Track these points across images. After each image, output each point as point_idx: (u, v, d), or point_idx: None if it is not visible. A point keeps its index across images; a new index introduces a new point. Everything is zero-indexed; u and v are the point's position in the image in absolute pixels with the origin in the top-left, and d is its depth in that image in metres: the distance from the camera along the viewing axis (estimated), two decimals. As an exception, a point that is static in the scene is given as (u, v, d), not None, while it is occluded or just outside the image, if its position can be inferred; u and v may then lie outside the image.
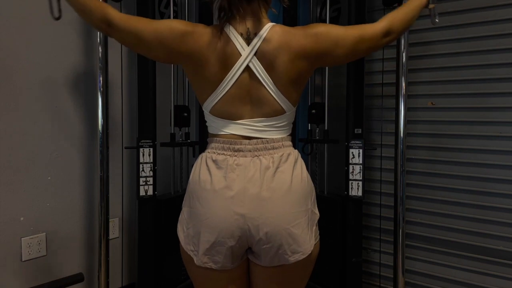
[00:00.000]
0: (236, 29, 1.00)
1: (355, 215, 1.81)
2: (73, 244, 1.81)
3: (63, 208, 1.76)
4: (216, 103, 1.02)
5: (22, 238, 1.62)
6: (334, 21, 2.08)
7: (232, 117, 1.03)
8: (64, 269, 1.77)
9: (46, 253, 1.70)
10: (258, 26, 1.01)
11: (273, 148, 1.02)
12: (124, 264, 2.01)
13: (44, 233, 1.69)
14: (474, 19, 1.81)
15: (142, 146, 1.75)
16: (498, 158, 1.78)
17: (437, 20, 1.26)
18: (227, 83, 1.00)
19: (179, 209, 1.09)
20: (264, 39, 0.99)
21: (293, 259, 1.00)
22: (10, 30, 1.56)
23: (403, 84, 1.60)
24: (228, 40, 1.00)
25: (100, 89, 1.64)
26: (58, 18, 1.13)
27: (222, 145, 1.03)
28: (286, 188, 0.99)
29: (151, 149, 1.76)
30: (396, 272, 1.64)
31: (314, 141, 2.00)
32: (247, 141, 1.02)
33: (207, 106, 1.05)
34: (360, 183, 1.75)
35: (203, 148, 1.09)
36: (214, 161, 1.02)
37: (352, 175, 1.76)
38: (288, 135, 1.08)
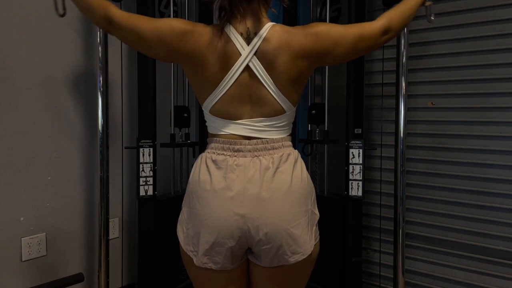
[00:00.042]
0: (236, 29, 1.00)
1: (355, 215, 1.81)
2: (73, 244, 1.81)
3: (63, 208, 1.76)
4: (216, 102, 1.02)
5: (22, 238, 1.62)
6: (334, 21, 2.08)
7: (232, 117, 1.03)
8: (64, 269, 1.77)
9: (46, 253, 1.70)
10: (258, 26, 1.01)
11: (273, 149, 1.02)
12: (124, 264, 2.01)
13: (44, 233, 1.69)
14: (474, 19, 1.81)
15: (142, 146, 1.75)
16: (498, 158, 1.78)
17: (432, 18, 1.27)
18: (227, 82, 1.00)
19: (179, 209, 1.09)
20: (264, 39, 0.99)
21: (293, 260, 1.00)
22: (10, 30, 1.56)
23: (403, 84, 1.60)
24: (228, 40, 0.99)
25: (100, 89, 1.63)
26: (63, 15, 1.15)
27: (222, 145, 1.03)
28: (286, 189, 0.99)
29: (151, 149, 1.76)
30: (396, 272, 1.64)
31: (314, 141, 2.00)
32: (247, 141, 1.02)
33: (206, 106, 1.05)
34: (360, 183, 1.75)
35: (203, 149, 1.09)
36: (214, 162, 1.02)
37: (352, 175, 1.76)
38: (288, 135, 1.08)
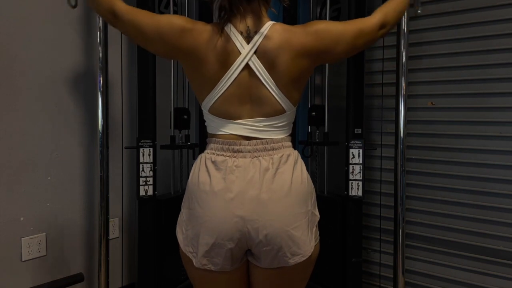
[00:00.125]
0: (236, 28, 1.00)
1: (355, 215, 1.81)
2: (73, 244, 1.81)
3: (63, 208, 1.76)
4: (215, 102, 1.02)
5: (22, 238, 1.62)
6: (334, 20, 2.07)
7: (231, 116, 1.02)
8: (64, 269, 1.77)
9: (46, 253, 1.70)
10: (259, 25, 1.00)
11: (273, 149, 1.02)
12: (124, 264, 2.01)
13: (44, 233, 1.69)
14: (474, 19, 1.81)
15: (142, 146, 1.75)
16: (498, 158, 1.78)
17: (419, 12, 1.29)
18: (226, 81, 1.00)
19: (179, 209, 1.09)
20: (265, 38, 0.99)
21: (293, 262, 0.99)
22: (10, 30, 1.56)
23: (403, 84, 1.60)
24: (228, 38, 0.99)
25: (100, 89, 1.63)
26: (74, 6, 1.19)
27: (221, 145, 1.02)
28: (286, 190, 0.99)
29: (151, 149, 1.76)
30: (396, 272, 1.64)
31: (314, 143, 2.00)
32: (247, 141, 1.01)
33: (205, 105, 1.05)
34: (360, 183, 1.75)
35: (203, 150, 1.08)
36: (214, 162, 1.01)
37: (352, 175, 1.76)
38: (288, 135, 1.08)
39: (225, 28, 1.00)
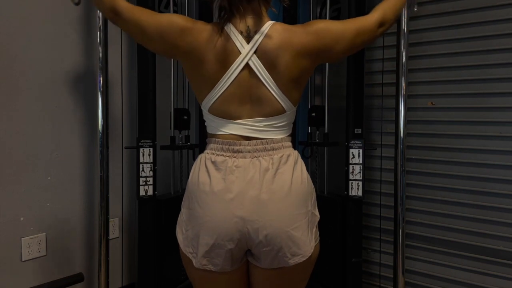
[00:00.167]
0: (236, 27, 1.00)
1: (355, 215, 1.81)
2: (73, 244, 1.81)
3: (63, 208, 1.76)
4: (215, 101, 1.02)
5: (22, 238, 1.62)
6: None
7: (231, 116, 1.02)
8: (64, 269, 1.77)
9: (46, 253, 1.70)
10: (259, 24, 1.00)
11: (273, 149, 1.02)
12: (124, 264, 2.01)
13: (44, 233, 1.69)
14: (474, 19, 1.81)
15: (142, 146, 1.75)
16: (498, 158, 1.78)
17: (415, 9, 1.29)
18: (226, 81, 0.99)
19: (179, 209, 1.09)
20: (265, 37, 0.99)
21: (293, 262, 0.99)
22: (10, 30, 1.56)
23: (403, 84, 1.60)
24: (228, 38, 0.99)
25: (100, 89, 1.63)
26: (78, 3, 1.20)
27: (221, 146, 1.02)
28: (286, 190, 0.98)
29: (151, 149, 1.76)
30: (396, 272, 1.63)
31: (314, 144, 2.00)
32: (247, 141, 1.01)
33: (205, 105, 1.05)
34: (360, 183, 1.75)
35: (203, 151, 1.08)
36: (213, 163, 1.01)
37: (352, 175, 1.76)
38: (288, 135, 1.08)
39: (225, 27, 1.00)
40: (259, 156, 1.00)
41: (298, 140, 2.14)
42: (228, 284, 1.06)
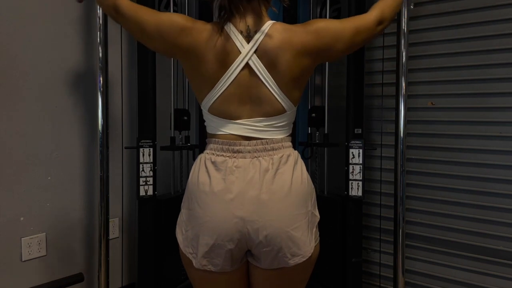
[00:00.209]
0: (236, 27, 1.00)
1: (355, 215, 1.81)
2: (73, 244, 1.81)
3: (63, 208, 1.76)
4: (214, 101, 1.02)
5: (22, 238, 1.62)
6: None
7: (231, 116, 1.02)
8: (64, 269, 1.77)
9: (46, 253, 1.70)
10: (259, 24, 1.00)
11: (273, 149, 1.01)
12: (124, 264, 2.01)
13: (44, 233, 1.69)
14: (474, 19, 1.81)
15: (142, 146, 1.75)
16: (498, 158, 1.78)
17: (412, 7, 1.29)
18: (225, 81, 0.99)
19: (179, 209, 1.08)
20: (265, 37, 0.99)
21: (293, 262, 0.99)
22: (10, 30, 1.56)
23: (403, 84, 1.60)
24: (228, 38, 0.99)
25: (100, 89, 1.63)
26: (81, 1, 1.22)
27: (221, 146, 1.02)
28: (286, 190, 0.98)
29: (151, 149, 1.76)
30: (396, 272, 1.63)
31: (314, 144, 2.00)
32: (247, 142, 1.01)
33: (205, 105, 1.04)
34: (360, 183, 1.75)
35: (203, 151, 1.08)
36: (213, 163, 1.01)
37: (352, 175, 1.76)
38: (288, 135, 1.08)
39: (225, 27, 1.00)
40: (259, 156, 1.00)
41: (298, 141, 2.14)
42: (228, 285, 1.06)
